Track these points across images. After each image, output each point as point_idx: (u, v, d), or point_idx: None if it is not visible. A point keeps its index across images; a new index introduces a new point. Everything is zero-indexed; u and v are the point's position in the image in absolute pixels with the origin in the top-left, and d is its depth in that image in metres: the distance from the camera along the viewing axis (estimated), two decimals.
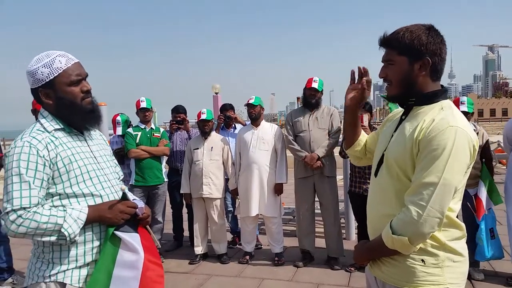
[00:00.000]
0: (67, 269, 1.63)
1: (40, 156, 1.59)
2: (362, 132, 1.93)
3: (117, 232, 1.67)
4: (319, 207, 4.58)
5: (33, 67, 1.66)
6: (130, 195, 1.86)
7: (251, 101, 4.60)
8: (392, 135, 1.60)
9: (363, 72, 1.74)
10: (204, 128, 4.64)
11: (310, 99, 4.43)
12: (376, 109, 48.72)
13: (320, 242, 4.62)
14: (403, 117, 1.60)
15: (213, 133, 4.77)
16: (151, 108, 4.89)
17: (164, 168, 4.94)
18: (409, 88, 1.55)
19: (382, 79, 1.62)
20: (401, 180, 1.51)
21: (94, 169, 1.73)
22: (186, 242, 5.26)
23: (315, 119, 4.42)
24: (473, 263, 3.81)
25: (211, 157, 4.60)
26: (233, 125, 5.28)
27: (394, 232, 1.46)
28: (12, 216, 1.53)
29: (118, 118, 4.98)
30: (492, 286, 3.70)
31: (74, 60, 1.71)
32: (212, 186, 4.56)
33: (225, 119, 5.14)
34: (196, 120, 4.73)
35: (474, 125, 3.91)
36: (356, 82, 1.77)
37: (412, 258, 1.48)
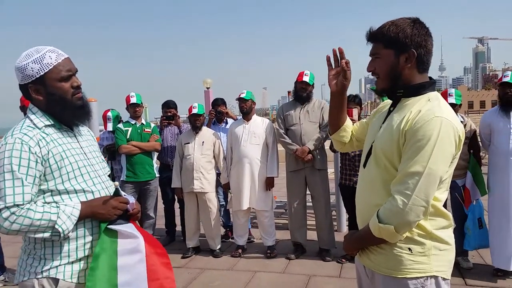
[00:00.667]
0: (60, 265, 1.63)
1: (32, 153, 1.58)
2: (348, 119, 1.93)
3: (111, 226, 1.69)
4: (310, 200, 4.62)
5: (22, 62, 1.63)
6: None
7: (242, 95, 4.60)
8: (381, 127, 1.63)
9: (340, 54, 1.73)
10: (195, 122, 4.63)
11: (301, 93, 4.45)
12: (367, 102, 48.87)
13: (312, 235, 4.66)
14: (391, 108, 1.63)
15: (204, 128, 4.76)
16: (141, 103, 4.87)
17: (155, 163, 4.93)
18: (397, 80, 1.57)
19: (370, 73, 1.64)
20: (389, 170, 1.54)
21: (85, 165, 1.73)
22: (179, 237, 5.27)
23: (306, 113, 4.44)
24: (462, 253, 3.87)
25: (202, 151, 4.59)
26: (225, 120, 5.27)
27: (380, 221, 1.49)
28: (5, 213, 1.52)
29: (109, 113, 4.95)
30: (480, 275, 3.77)
31: (64, 55, 1.69)
32: (204, 181, 4.56)
33: (217, 114, 5.13)
34: (188, 115, 4.73)
35: (462, 117, 3.96)
36: (334, 67, 1.77)
37: (399, 246, 1.51)
